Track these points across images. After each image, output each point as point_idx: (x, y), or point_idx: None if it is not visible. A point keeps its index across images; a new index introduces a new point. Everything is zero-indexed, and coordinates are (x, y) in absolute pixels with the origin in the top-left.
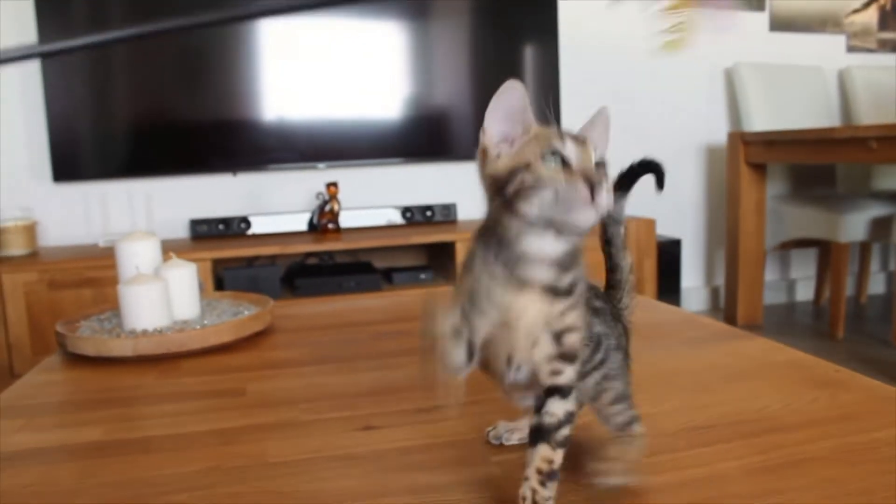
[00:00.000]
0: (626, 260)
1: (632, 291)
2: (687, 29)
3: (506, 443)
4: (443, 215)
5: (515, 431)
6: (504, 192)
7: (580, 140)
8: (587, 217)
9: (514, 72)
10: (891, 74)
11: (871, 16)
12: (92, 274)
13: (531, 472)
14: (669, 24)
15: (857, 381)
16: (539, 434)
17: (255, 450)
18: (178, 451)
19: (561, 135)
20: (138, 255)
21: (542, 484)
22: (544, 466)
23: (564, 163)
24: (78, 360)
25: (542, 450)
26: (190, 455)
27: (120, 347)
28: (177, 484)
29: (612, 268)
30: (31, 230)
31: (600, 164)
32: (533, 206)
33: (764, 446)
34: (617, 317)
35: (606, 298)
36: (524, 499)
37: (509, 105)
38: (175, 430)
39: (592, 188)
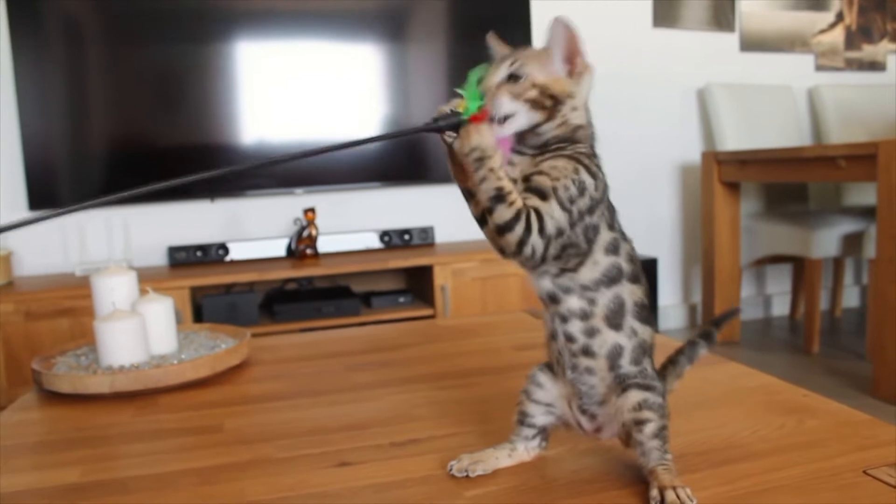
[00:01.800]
0: (676, 381)
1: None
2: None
3: (471, 475)
4: (420, 238)
5: (479, 463)
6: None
7: (496, 62)
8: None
9: None
10: (858, 92)
11: (837, 35)
12: (69, 304)
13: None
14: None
15: (824, 406)
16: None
17: (232, 489)
18: (157, 491)
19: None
20: (115, 291)
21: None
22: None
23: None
24: (54, 398)
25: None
26: (169, 496)
27: (97, 384)
28: None
29: (663, 374)
30: (6, 260)
31: (512, 76)
32: None
33: (731, 476)
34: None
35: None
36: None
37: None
38: (153, 470)
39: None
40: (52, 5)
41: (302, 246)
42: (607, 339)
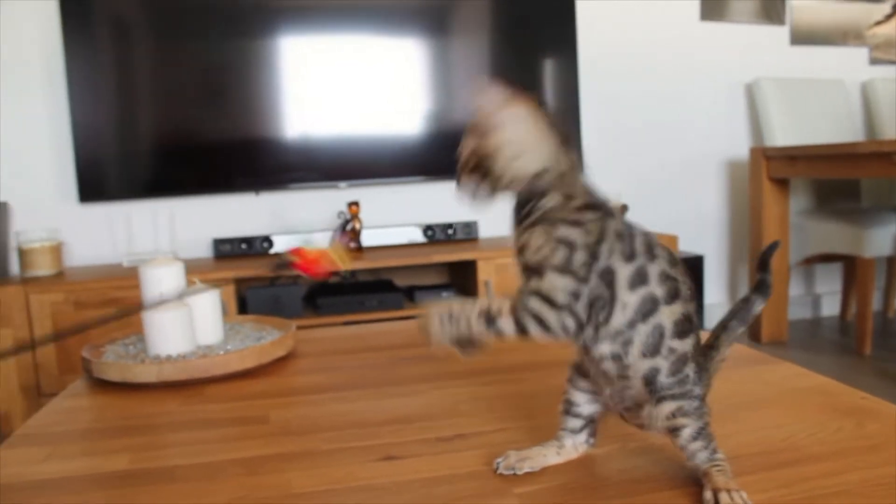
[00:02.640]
0: (728, 348)
1: (721, 363)
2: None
3: (518, 472)
4: (464, 233)
5: (526, 460)
6: None
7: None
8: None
9: (534, 86)
10: None
11: (893, 28)
12: (117, 294)
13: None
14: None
15: (885, 409)
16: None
17: (278, 480)
18: (204, 481)
19: None
20: (162, 281)
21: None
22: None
23: None
24: (103, 385)
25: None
26: (215, 486)
27: (144, 374)
28: None
29: (716, 345)
30: (56, 251)
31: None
32: None
33: (788, 479)
34: (705, 369)
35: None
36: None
37: None
38: (200, 459)
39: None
40: (103, 2)
41: (345, 239)
42: (642, 366)
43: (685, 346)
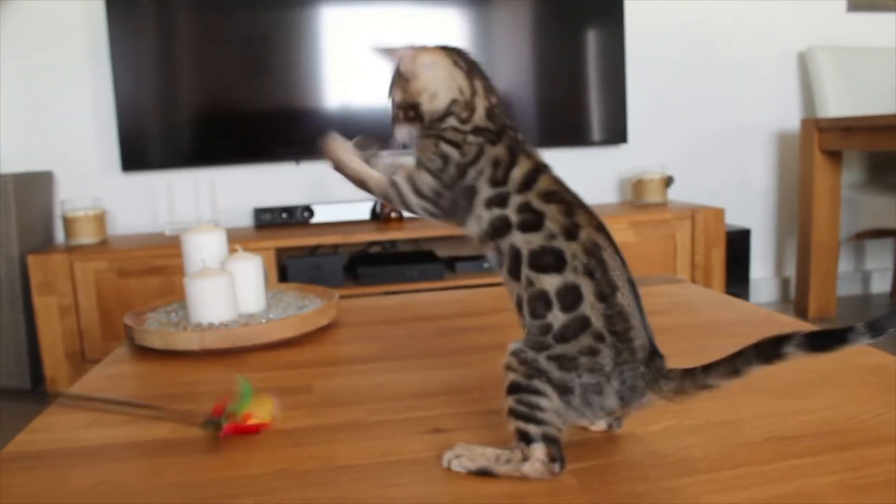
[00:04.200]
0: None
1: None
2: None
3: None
4: None
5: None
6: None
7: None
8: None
9: (579, 56)
10: None
11: None
12: (159, 262)
13: None
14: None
15: None
16: None
17: (322, 452)
18: (246, 452)
19: None
20: (204, 248)
21: None
22: None
23: None
24: (145, 353)
25: None
26: (258, 456)
27: (186, 341)
28: (245, 487)
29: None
30: (100, 219)
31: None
32: None
33: (857, 461)
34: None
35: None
36: None
37: None
38: None
39: None
40: None
41: (386, 209)
42: (513, 289)
43: (546, 283)
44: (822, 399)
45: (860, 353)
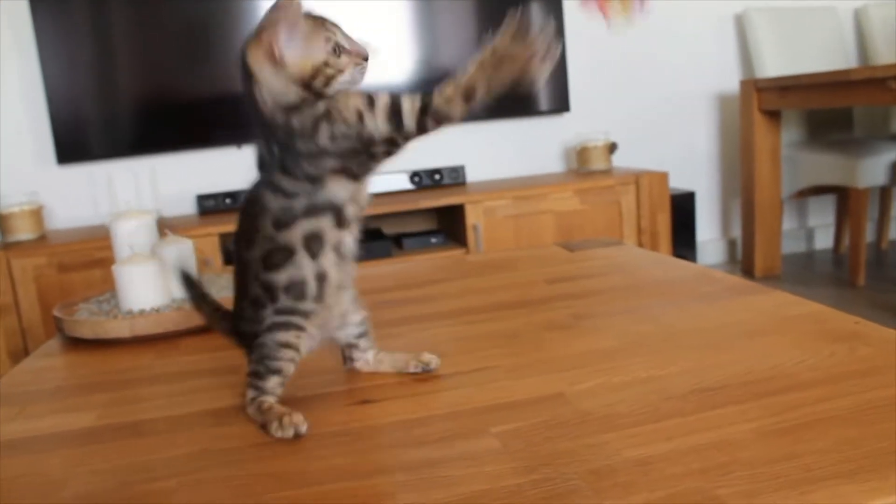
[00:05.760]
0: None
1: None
2: None
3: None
4: (451, 178)
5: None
6: (312, 86)
7: (342, 28)
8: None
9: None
10: None
11: None
12: (100, 255)
13: None
14: None
15: (878, 334)
16: None
17: (247, 430)
18: (170, 434)
19: (333, 30)
20: (133, 234)
21: None
22: None
23: (342, 50)
24: (76, 344)
25: None
26: (181, 437)
27: (117, 329)
28: (166, 469)
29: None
30: (37, 214)
31: None
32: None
33: (778, 407)
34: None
35: None
36: None
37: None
38: (168, 413)
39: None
40: None
41: None
42: None
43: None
44: (749, 350)
45: (792, 305)
